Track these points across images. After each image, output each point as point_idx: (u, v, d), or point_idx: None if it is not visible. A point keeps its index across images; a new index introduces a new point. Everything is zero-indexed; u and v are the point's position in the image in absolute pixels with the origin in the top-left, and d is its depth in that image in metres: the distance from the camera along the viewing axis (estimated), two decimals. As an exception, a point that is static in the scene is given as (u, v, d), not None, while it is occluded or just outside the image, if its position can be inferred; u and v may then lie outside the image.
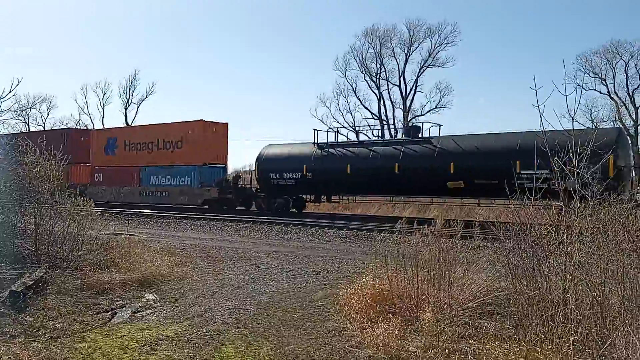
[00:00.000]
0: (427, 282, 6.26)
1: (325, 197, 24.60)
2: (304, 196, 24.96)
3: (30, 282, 7.22)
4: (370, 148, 21.74)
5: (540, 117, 5.48)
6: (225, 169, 28.08)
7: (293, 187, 23.51)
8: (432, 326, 5.32)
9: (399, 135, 20.91)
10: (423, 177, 19.46)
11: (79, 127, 45.28)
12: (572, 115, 5.36)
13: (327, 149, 22.84)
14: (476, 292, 5.89)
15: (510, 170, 13.37)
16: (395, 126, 49.33)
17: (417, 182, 19.88)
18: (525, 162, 16.27)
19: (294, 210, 24.65)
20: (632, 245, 4.42)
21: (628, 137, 16.72)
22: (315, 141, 23.40)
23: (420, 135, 21.15)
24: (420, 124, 21.26)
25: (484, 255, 6.61)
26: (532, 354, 4.41)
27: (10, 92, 8.12)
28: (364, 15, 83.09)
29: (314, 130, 23.45)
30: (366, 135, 48.61)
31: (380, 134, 47.89)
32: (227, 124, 28.23)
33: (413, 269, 6.43)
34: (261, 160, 24.76)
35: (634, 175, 16.51)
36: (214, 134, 26.97)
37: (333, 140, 23.52)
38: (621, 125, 41.22)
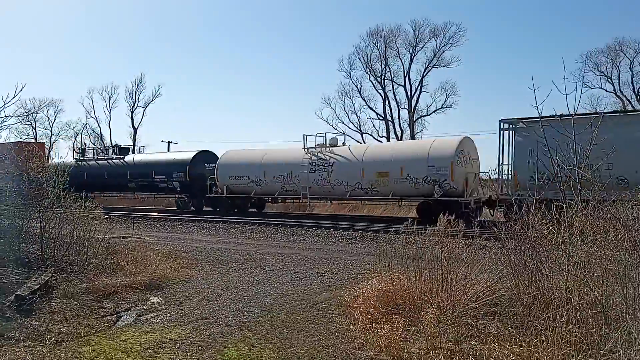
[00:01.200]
0: (430, 282, 6.26)
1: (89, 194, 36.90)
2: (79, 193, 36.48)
3: (36, 287, 7.27)
4: (97, 162, 32.12)
5: (540, 116, 5.45)
6: None
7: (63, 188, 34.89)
8: (434, 327, 5.31)
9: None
10: (118, 180, 30.27)
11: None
12: (573, 114, 5.30)
13: (79, 162, 32.29)
14: (479, 292, 5.87)
15: (152, 176, 28.13)
16: (401, 127, 49.19)
17: (116, 183, 30.66)
18: (158, 171, 28.11)
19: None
20: (633, 245, 4.39)
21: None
22: (75, 157, 33.31)
23: (128, 154, 32.02)
24: (128, 146, 33.40)
25: (486, 255, 6.59)
26: (534, 354, 4.40)
27: (14, 97, 8.14)
28: (367, 16, 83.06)
29: (77, 149, 34.23)
30: (371, 135, 48.69)
31: (385, 135, 47.88)
32: (44, 143, 37.90)
33: (416, 269, 6.43)
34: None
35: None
36: (29, 152, 34.87)
37: (85, 157, 33.40)
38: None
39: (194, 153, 27.49)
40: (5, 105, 8.19)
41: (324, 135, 22.95)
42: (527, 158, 15.66)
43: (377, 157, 20.58)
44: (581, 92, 5.44)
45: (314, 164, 21.97)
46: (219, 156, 26.50)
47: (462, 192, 18.21)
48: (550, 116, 7.08)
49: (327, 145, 22.44)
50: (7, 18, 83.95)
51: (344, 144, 23.64)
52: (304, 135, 23.37)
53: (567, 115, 5.76)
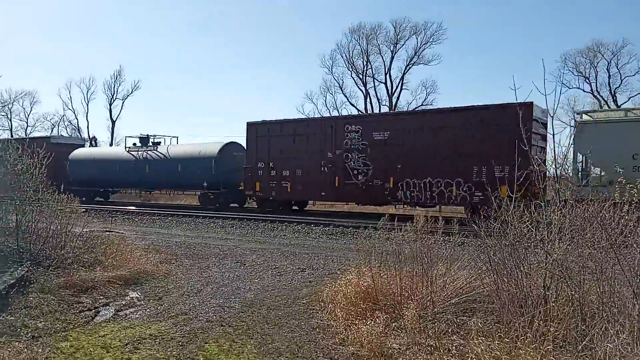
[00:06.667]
0: (410, 278, 6.30)
1: None
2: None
3: (12, 281, 7.14)
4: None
5: (519, 115, 5.52)
6: None
7: None
8: (414, 323, 5.36)
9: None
10: None
11: None
12: (552, 115, 5.39)
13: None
14: (459, 288, 5.94)
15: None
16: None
17: None
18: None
19: None
20: (609, 243, 4.49)
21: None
22: None
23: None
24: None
25: (466, 252, 6.66)
26: (515, 350, 4.46)
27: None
28: (351, 12, 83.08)
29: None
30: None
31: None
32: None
33: (396, 265, 6.47)
34: None
35: None
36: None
37: None
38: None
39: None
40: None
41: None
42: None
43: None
44: (560, 93, 5.51)
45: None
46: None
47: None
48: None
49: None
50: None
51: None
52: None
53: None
